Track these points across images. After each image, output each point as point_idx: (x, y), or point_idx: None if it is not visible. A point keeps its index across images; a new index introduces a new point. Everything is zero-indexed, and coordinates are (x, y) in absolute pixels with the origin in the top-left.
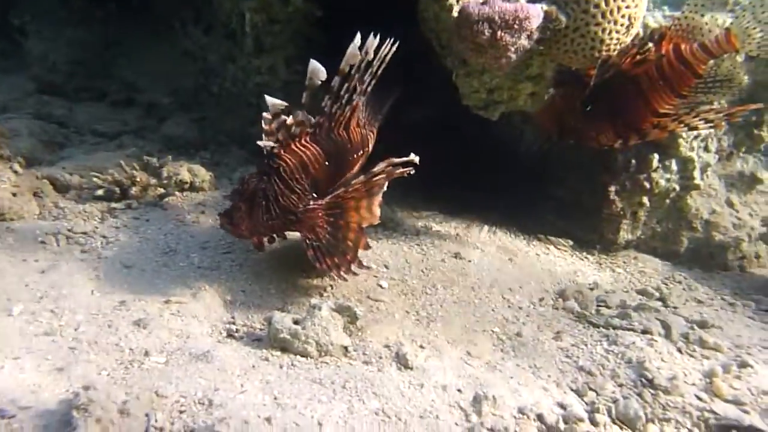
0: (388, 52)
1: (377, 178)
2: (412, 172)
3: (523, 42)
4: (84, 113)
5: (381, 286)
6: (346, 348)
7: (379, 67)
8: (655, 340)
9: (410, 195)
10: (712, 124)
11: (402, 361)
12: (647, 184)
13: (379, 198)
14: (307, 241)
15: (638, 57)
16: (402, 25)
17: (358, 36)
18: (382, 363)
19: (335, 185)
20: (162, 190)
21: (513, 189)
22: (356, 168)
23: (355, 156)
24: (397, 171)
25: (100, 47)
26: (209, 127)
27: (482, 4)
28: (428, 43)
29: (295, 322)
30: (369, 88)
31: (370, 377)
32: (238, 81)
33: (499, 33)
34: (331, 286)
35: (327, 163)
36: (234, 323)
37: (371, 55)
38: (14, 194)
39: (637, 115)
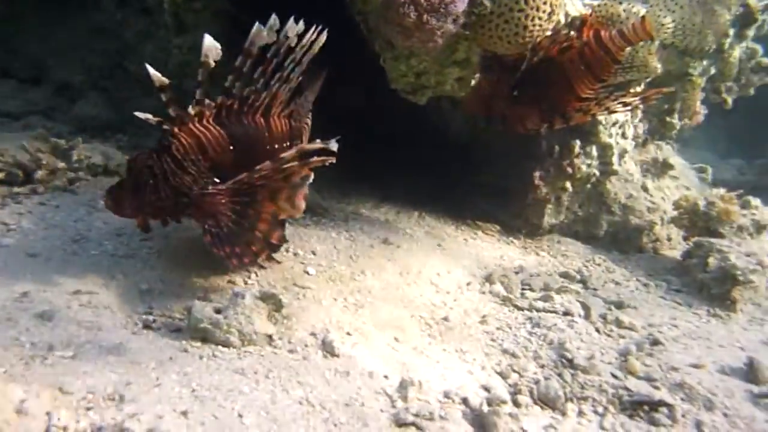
0: (314, 41)
1: (288, 165)
2: (333, 161)
3: (450, 26)
4: None
5: (308, 273)
6: (270, 337)
7: (303, 55)
8: (576, 322)
9: (339, 181)
10: (629, 107)
11: (328, 349)
12: (570, 170)
13: (303, 190)
14: (206, 227)
15: (564, 44)
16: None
17: (273, 17)
18: (308, 351)
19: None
20: (72, 174)
21: (441, 174)
22: None
23: (277, 147)
24: (315, 159)
25: (3, 21)
26: (126, 108)
27: None
28: (356, 25)
29: (217, 311)
30: (292, 76)
31: (294, 366)
32: (157, 60)
33: (425, 16)
34: (256, 273)
35: (232, 147)
36: (151, 313)
37: (294, 41)
38: None
39: (561, 99)
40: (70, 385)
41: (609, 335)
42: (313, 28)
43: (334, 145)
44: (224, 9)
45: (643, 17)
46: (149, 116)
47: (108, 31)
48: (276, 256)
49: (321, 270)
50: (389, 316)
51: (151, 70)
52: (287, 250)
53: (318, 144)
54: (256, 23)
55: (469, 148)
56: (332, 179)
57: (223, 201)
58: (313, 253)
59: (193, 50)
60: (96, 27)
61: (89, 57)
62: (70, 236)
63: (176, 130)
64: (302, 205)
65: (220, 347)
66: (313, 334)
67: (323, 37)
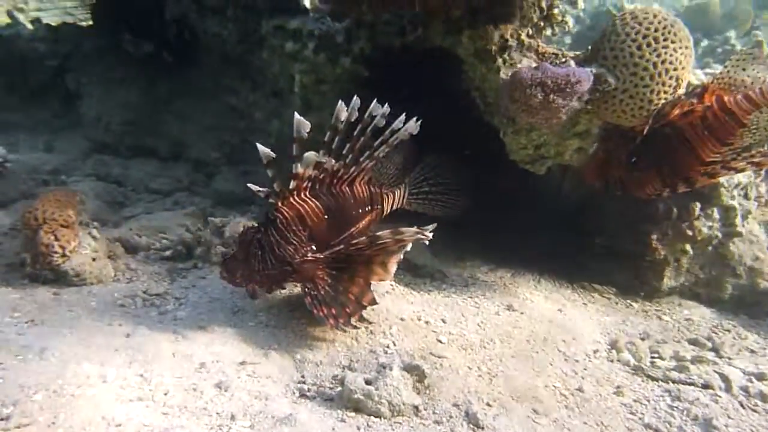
0: (405, 129)
1: (381, 242)
2: (426, 243)
3: (574, 104)
4: (138, 171)
5: (441, 342)
6: (416, 407)
7: (393, 138)
8: (719, 396)
9: (452, 242)
10: (758, 166)
11: (473, 421)
12: (690, 232)
13: (398, 256)
14: (306, 290)
15: (686, 109)
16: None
17: (355, 98)
18: (453, 423)
19: (337, 239)
20: (223, 249)
21: (553, 236)
22: (363, 223)
23: (360, 211)
24: (411, 238)
25: (149, 106)
26: (254, 181)
27: (534, 69)
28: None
29: (368, 382)
30: (380, 154)
31: None
32: (283, 135)
33: (551, 96)
34: (394, 343)
35: (326, 216)
36: (305, 382)
37: (381, 122)
38: (93, 259)
39: (683, 164)
40: None
41: (755, 410)
42: (403, 116)
43: (429, 233)
44: (347, 89)
45: None
46: (259, 188)
47: (241, 112)
48: (410, 325)
49: (452, 338)
50: (524, 385)
51: (260, 147)
52: (419, 319)
53: (414, 230)
54: (339, 102)
55: (581, 210)
56: (446, 242)
57: (321, 267)
58: (443, 321)
59: (317, 128)
60: (230, 109)
61: (223, 135)
62: (230, 308)
63: (280, 204)
64: (393, 269)
65: (372, 417)
66: (456, 405)
67: (415, 125)
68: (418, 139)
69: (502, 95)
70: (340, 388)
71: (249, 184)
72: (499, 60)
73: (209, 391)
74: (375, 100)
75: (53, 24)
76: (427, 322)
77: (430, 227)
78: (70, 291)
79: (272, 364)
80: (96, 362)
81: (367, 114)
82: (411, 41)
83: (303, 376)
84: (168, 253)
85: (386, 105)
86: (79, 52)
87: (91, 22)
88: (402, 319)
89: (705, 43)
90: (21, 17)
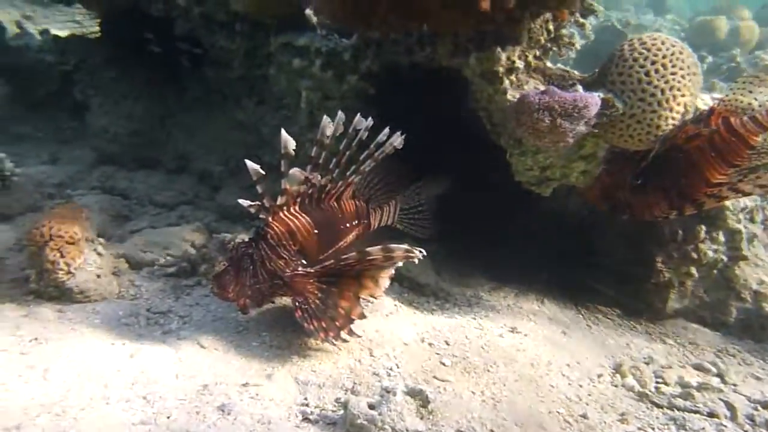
0: (390, 143)
1: (371, 258)
2: (416, 262)
3: (581, 128)
4: (142, 183)
5: (444, 364)
6: None
7: (377, 150)
8: (725, 426)
9: (453, 258)
10: (765, 188)
11: None
12: (695, 255)
13: (389, 271)
14: (296, 303)
15: (692, 132)
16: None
17: (340, 113)
18: None
19: (326, 254)
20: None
21: (557, 255)
22: (350, 237)
23: (348, 225)
24: (401, 256)
25: (156, 119)
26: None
27: (542, 93)
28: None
29: (371, 407)
30: (366, 168)
31: None
32: None
33: (558, 120)
34: (397, 365)
35: (316, 231)
36: (308, 405)
37: (364, 135)
38: (98, 276)
39: (690, 186)
40: None
41: None
42: (387, 129)
43: (418, 253)
44: (352, 106)
45: None
46: (249, 204)
47: (247, 126)
48: (413, 347)
49: (456, 361)
50: (527, 411)
51: (249, 164)
52: (422, 340)
53: (404, 247)
54: (324, 117)
55: (586, 230)
56: (448, 259)
57: (311, 281)
58: (447, 343)
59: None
60: (236, 123)
61: (229, 149)
62: (233, 328)
63: (270, 219)
64: (385, 283)
65: None
66: None
67: (399, 139)
68: (420, 157)
69: (508, 117)
70: (342, 412)
71: (239, 200)
72: (506, 82)
73: (212, 414)
74: (359, 114)
75: (61, 35)
76: (430, 344)
77: (420, 252)
78: (74, 308)
79: (275, 386)
80: (99, 384)
81: (351, 128)
82: (418, 60)
83: (306, 399)
84: (172, 269)
85: (369, 119)
86: (87, 63)
87: (99, 35)
88: (405, 341)
89: (710, 59)
90: (29, 26)
